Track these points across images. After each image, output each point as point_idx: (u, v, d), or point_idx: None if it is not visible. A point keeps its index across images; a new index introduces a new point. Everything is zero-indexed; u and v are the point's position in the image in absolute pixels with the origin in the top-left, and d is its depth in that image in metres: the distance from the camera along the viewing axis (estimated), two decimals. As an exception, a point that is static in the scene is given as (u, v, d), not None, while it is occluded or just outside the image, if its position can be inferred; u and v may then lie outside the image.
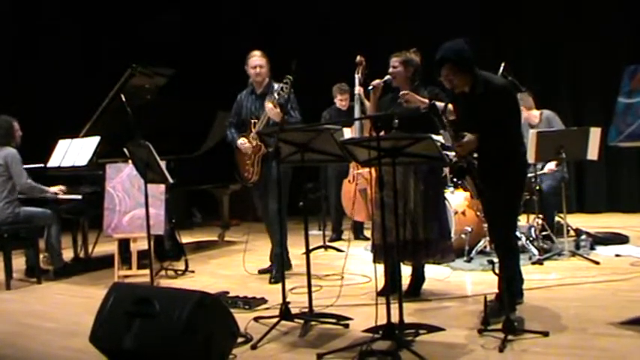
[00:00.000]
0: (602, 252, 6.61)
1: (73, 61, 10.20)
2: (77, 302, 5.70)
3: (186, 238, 7.97)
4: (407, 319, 4.17)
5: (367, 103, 5.61)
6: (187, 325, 3.52)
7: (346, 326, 4.51)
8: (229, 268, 6.97)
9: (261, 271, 6.43)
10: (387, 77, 5.18)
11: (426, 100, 4.87)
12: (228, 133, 6.33)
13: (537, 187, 6.61)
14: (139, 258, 6.31)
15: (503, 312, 4.16)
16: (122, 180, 6.45)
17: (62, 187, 6.70)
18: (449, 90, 4.49)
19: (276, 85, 5.95)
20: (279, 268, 5.76)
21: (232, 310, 4.00)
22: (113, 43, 10.28)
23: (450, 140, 4.45)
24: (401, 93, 5.02)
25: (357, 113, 6.86)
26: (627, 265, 5.99)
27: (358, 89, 6.52)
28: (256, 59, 6.13)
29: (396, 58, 5.16)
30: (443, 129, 4.57)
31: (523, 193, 4.90)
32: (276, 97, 5.76)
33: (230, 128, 6.32)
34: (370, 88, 5.25)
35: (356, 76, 6.47)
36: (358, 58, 6.48)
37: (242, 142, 6.13)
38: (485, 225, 6.24)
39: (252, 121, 6.12)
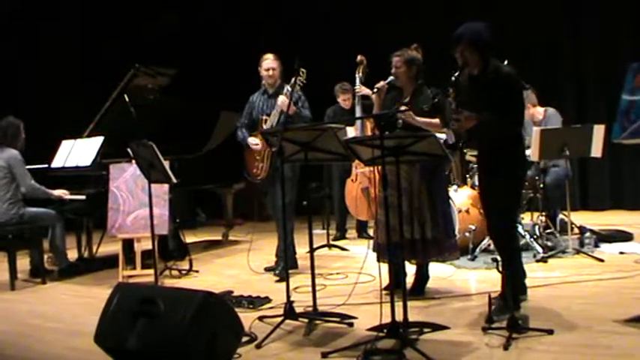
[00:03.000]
0: (606, 249, 6.59)
1: (76, 62, 10.20)
2: (81, 302, 5.71)
3: (190, 238, 7.97)
4: (411, 318, 4.16)
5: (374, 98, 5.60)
6: (192, 325, 3.52)
7: (350, 325, 4.51)
8: (233, 267, 6.97)
9: (267, 269, 6.45)
10: (391, 78, 5.16)
11: (420, 119, 4.88)
12: (239, 133, 6.39)
13: (541, 185, 6.60)
14: (143, 258, 6.32)
15: (508, 310, 4.16)
16: (126, 180, 6.46)
17: (65, 191, 6.70)
18: (453, 82, 4.48)
19: (287, 86, 6.04)
20: (283, 263, 5.79)
21: (237, 310, 4.01)
22: (115, 43, 10.28)
23: (452, 138, 4.45)
24: (401, 109, 4.98)
25: (357, 112, 6.87)
26: (631, 263, 5.98)
27: (358, 89, 6.51)
28: (269, 62, 6.25)
29: (398, 58, 5.13)
30: (446, 127, 4.56)
31: (522, 189, 4.89)
32: (289, 89, 5.88)
33: (241, 129, 6.39)
34: (374, 91, 5.24)
35: (357, 75, 6.46)
36: (359, 57, 6.47)
37: (253, 140, 6.21)
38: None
39: (263, 117, 6.21)
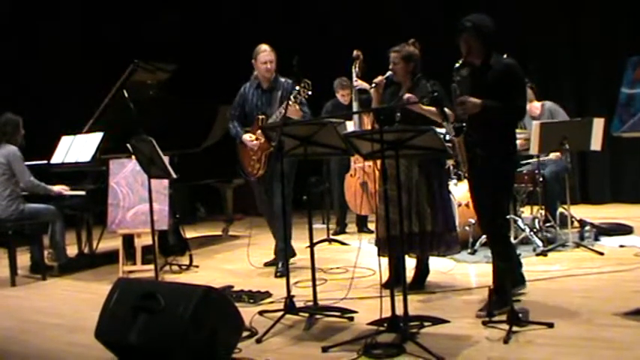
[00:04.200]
0: (606, 243, 6.60)
1: (75, 57, 10.18)
2: (82, 298, 5.71)
3: (190, 233, 7.97)
4: (411, 312, 4.17)
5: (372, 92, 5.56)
6: (192, 320, 3.53)
7: (351, 319, 4.51)
8: (233, 262, 6.97)
9: (267, 264, 6.46)
10: (389, 73, 5.17)
11: (426, 107, 4.87)
12: (231, 127, 6.27)
13: (540, 179, 6.59)
14: (144, 253, 6.31)
15: (504, 304, 4.17)
16: (126, 175, 6.46)
17: (65, 187, 6.70)
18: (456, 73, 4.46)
19: (282, 79, 5.96)
20: (284, 262, 5.78)
21: (237, 304, 4.01)
22: (115, 40, 10.27)
23: (452, 132, 4.44)
24: (406, 96, 4.98)
25: (354, 107, 6.86)
26: (631, 256, 5.98)
27: (356, 83, 6.50)
28: (266, 54, 6.04)
29: (396, 54, 5.13)
30: (445, 121, 4.56)
31: (513, 182, 4.88)
32: (293, 99, 5.64)
33: (233, 121, 6.26)
34: (372, 85, 5.24)
35: (353, 70, 6.45)
36: (355, 52, 6.46)
37: (249, 138, 6.10)
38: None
39: (260, 117, 6.09)
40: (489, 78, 4.41)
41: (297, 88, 5.61)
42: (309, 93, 5.65)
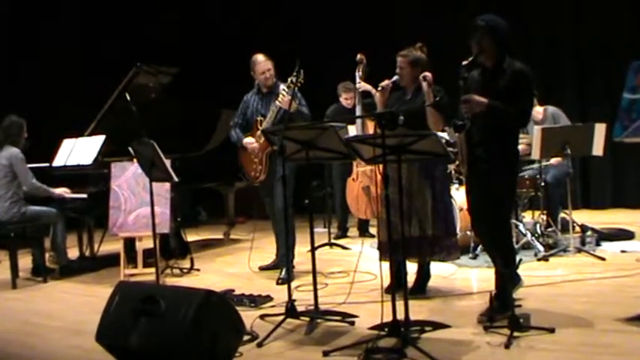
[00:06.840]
0: (607, 248, 6.58)
1: (76, 61, 10.20)
2: (83, 301, 5.71)
3: (191, 237, 7.96)
4: (413, 317, 4.15)
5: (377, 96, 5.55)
6: (193, 323, 3.53)
7: (352, 324, 4.51)
8: (235, 266, 6.97)
9: (262, 268, 6.47)
10: (395, 77, 5.16)
11: (430, 110, 4.87)
12: (233, 133, 6.29)
13: (542, 184, 6.59)
14: (145, 256, 6.31)
15: (505, 310, 4.16)
16: (127, 179, 6.46)
17: (66, 190, 6.71)
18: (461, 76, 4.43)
19: (282, 85, 5.99)
20: (285, 268, 5.76)
21: (238, 308, 4.00)
22: (116, 43, 10.28)
23: (453, 137, 4.43)
24: (423, 74, 4.96)
25: (358, 111, 6.87)
26: (633, 261, 5.96)
27: (359, 85, 6.51)
28: (263, 64, 6.12)
29: (403, 59, 5.11)
30: (447, 126, 4.55)
31: (515, 186, 4.86)
32: (287, 89, 5.73)
33: (235, 128, 6.29)
34: (379, 89, 5.23)
35: (357, 74, 6.46)
36: (359, 56, 6.47)
37: (249, 141, 6.12)
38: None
39: (259, 119, 6.12)
40: (501, 82, 4.34)
41: (290, 78, 5.66)
42: (302, 81, 5.66)
